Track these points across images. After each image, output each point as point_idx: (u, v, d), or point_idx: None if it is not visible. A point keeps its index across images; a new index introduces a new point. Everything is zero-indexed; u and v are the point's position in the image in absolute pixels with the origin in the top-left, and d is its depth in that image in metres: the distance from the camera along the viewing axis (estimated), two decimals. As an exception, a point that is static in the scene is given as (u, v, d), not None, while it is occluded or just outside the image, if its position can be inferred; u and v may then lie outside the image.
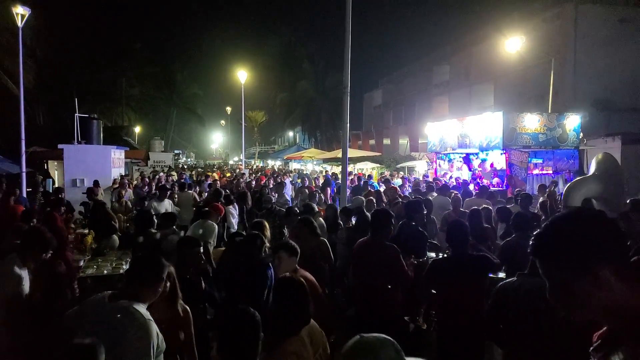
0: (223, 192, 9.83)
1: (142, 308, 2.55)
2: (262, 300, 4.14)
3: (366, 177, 18.06)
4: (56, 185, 14.09)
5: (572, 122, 14.70)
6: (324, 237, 5.93)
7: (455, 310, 3.88)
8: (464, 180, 14.03)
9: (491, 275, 5.35)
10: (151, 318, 2.55)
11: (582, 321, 1.40)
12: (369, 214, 7.33)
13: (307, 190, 11.46)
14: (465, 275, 3.87)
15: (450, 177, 15.95)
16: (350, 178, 14.51)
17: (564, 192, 6.41)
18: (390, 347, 1.65)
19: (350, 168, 20.44)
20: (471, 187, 13.65)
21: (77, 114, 15.40)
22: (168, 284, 3.14)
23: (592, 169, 7.19)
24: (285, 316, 2.57)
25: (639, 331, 1.22)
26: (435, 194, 9.61)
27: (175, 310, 3.19)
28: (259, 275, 4.27)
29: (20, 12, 13.09)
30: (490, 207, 7.36)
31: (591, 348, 1.35)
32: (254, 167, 35.73)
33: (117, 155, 16.48)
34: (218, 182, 14.29)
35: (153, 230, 5.65)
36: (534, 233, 1.41)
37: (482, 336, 3.88)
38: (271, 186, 13.68)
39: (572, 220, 1.35)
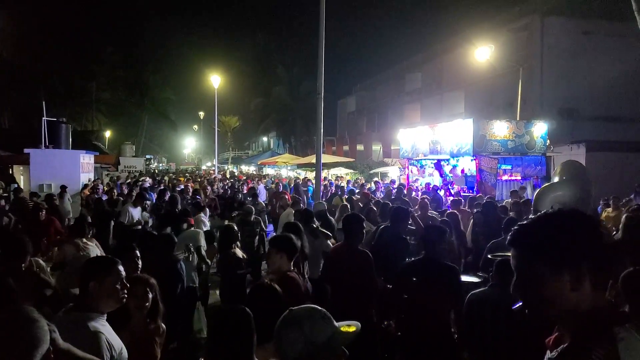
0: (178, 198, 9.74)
1: (93, 320, 2.41)
2: (177, 294, 4.70)
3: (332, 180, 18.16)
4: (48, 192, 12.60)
5: (539, 129, 15.14)
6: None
7: (420, 314, 3.91)
8: (434, 186, 14.25)
9: (466, 280, 5.46)
10: (100, 330, 2.42)
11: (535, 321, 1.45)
12: (332, 218, 7.44)
13: (285, 196, 11.40)
14: (432, 280, 3.90)
15: (417, 180, 16.20)
16: (324, 184, 14.57)
17: (534, 197, 6.58)
18: (316, 316, 1.69)
19: (324, 174, 20.52)
20: (442, 192, 13.92)
21: (44, 118, 15.01)
22: (150, 296, 3.04)
23: (557, 175, 7.39)
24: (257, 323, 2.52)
25: (584, 332, 1.26)
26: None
27: (155, 327, 3.08)
28: (171, 271, 4.72)
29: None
30: (456, 213, 7.55)
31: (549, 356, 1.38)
32: (227, 172, 35.42)
33: (87, 160, 16.14)
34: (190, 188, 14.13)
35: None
36: (519, 223, 1.41)
37: (447, 342, 3.92)
38: (245, 192, 13.60)
39: (560, 216, 1.35)
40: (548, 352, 1.40)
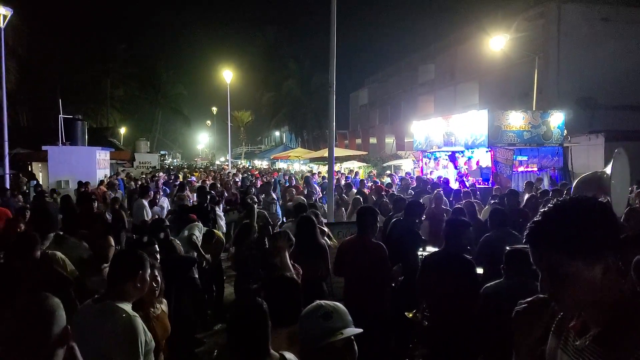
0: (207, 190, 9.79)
1: (126, 305, 2.52)
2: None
3: (352, 174, 18.09)
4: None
5: (556, 119, 14.88)
6: None
7: (439, 306, 3.95)
8: (445, 178, 14.09)
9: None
10: (136, 314, 2.53)
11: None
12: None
13: (294, 190, 11.41)
14: (449, 274, 3.93)
15: (432, 172, 16.06)
16: (336, 177, 14.51)
17: (573, 186, 6.31)
18: (314, 315, 1.83)
19: (337, 167, 20.47)
20: (456, 185, 13.76)
21: (61, 115, 15.25)
22: (159, 278, 3.20)
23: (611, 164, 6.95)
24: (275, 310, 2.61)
25: (609, 316, 1.27)
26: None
27: (158, 306, 3.24)
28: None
29: (2, 12, 12.83)
30: (474, 202, 7.46)
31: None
32: (241, 166, 35.61)
33: (103, 156, 16.34)
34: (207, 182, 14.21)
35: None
36: (534, 220, 1.32)
37: (473, 333, 3.91)
38: (258, 186, 13.64)
39: (582, 207, 1.29)
40: (570, 337, 1.39)
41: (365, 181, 14.82)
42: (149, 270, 2.72)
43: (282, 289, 2.85)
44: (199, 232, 6.26)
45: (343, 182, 15.36)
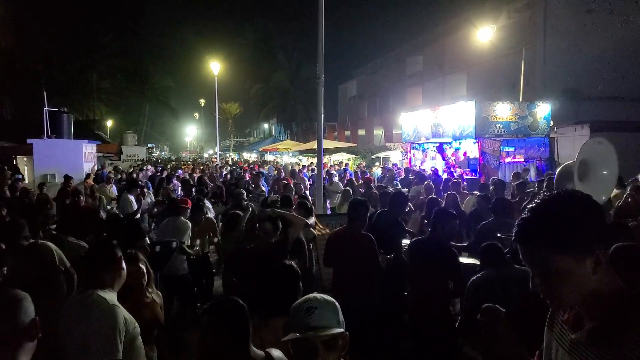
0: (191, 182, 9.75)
1: (106, 294, 2.53)
2: None
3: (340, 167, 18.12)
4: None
5: (543, 110, 15.02)
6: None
7: (420, 293, 4.09)
8: (435, 169, 14.21)
9: (464, 262, 5.48)
10: (117, 303, 2.54)
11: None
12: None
13: (285, 182, 11.41)
14: (430, 262, 4.04)
15: (422, 164, 16.16)
16: (325, 170, 14.53)
17: (555, 177, 6.33)
18: (297, 309, 1.76)
19: (326, 159, 20.49)
20: (444, 176, 13.87)
21: (46, 108, 15.00)
22: (144, 268, 3.23)
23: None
24: (277, 298, 2.67)
25: (604, 311, 1.26)
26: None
27: (149, 294, 3.27)
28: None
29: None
30: (455, 193, 7.57)
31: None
32: (229, 159, 35.46)
33: (89, 149, 16.13)
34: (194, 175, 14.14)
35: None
36: (522, 217, 1.31)
37: (446, 323, 4.01)
38: (247, 178, 13.59)
39: (568, 202, 1.28)
40: (565, 330, 1.39)
41: (359, 174, 14.89)
42: (121, 258, 2.73)
43: (281, 277, 2.88)
44: (187, 237, 6.09)
45: (335, 174, 15.42)
